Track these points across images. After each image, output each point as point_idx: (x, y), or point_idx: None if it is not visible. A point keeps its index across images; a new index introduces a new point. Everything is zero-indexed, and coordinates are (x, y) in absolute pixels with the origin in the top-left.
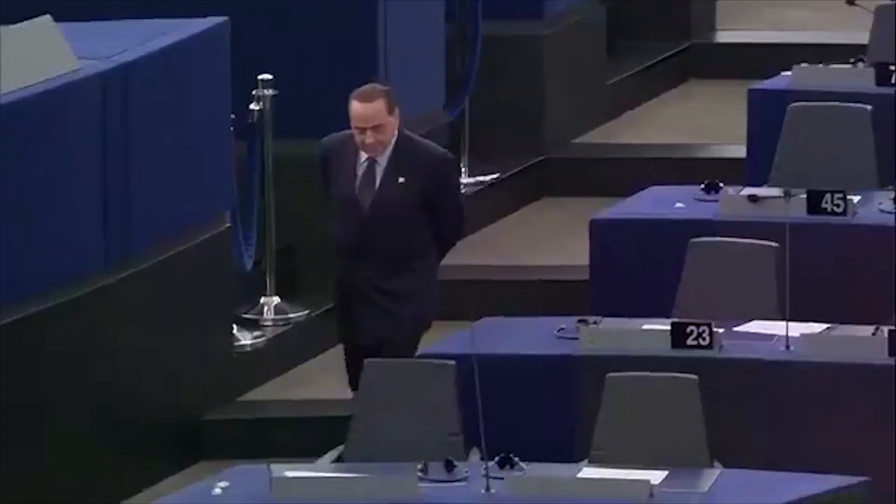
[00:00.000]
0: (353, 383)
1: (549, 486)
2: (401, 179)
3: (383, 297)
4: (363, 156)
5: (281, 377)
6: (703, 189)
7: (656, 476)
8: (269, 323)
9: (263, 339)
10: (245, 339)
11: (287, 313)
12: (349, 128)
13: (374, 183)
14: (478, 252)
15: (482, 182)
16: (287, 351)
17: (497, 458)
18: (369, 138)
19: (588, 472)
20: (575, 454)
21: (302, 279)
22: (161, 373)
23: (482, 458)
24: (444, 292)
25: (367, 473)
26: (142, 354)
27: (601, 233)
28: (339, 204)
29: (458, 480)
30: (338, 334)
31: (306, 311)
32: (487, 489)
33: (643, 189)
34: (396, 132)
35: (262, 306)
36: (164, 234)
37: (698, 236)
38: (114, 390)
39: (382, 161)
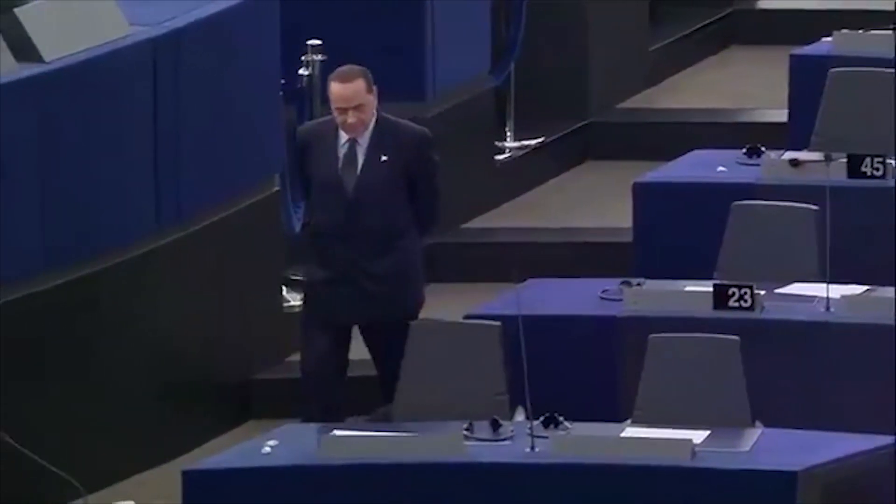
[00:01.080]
0: (311, 361)
1: (592, 445)
2: (383, 158)
3: (367, 279)
4: (343, 138)
5: None
6: (744, 153)
7: (698, 435)
8: None
9: None
10: (293, 299)
11: None
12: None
13: (357, 164)
14: (523, 214)
15: (527, 146)
16: None
17: (542, 418)
18: (351, 118)
19: (631, 431)
20: (618, 414)
21: None
22: (211, 333)
23: (527, 418)
24: (491, 254)
25: (414, 432)
26: (192, 315)
27: (644, 196)
28: (321, 187)
29: (504, 439)
30: (309, 312)
31: None
32: (532, 448)
33: (686, 153)
34: (375, 112)
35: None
36: (214, 196)
37: (740, 199)
38: (165, 350)
39: (363, 142)
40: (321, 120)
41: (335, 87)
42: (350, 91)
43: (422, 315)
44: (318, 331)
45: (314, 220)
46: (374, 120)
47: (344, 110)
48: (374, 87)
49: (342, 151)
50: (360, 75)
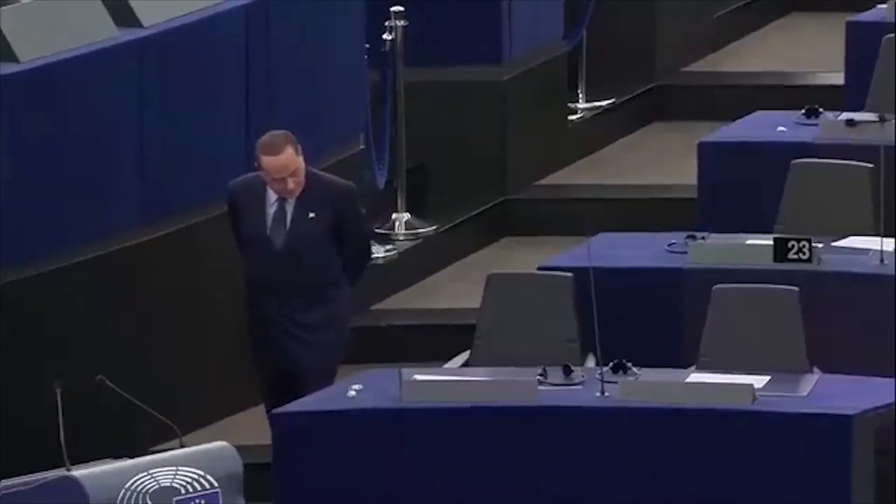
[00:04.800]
0: (269, 406)
1: (659, 389)
2: (311, 215)
3: (299, 329)
4: (272, 196)
5: (411, 288)
6: (803, 114)
7: (759, 381)
8: (400, 237)
9: (395, 252)
10: (378, 252)
11: (417, 228)
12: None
13: (286, 221)
14: (594, 172)
15: (598, 107)
16: (417, 263)
17: (611, 364)
18: (290, 185)
19: (696, 377)
20: (683, 360)
21: (431, 196)
22: None
23: (597, 364)
24: (563, 209)
25: (491, 377)
26: None
27: (708, 154)
28: (251, 243)
29: (575, 384)
30: (253, 361)
31: (435, 227)
32: (602, 392)
33: (748, 114)
34: None
35: (394, 222)
36: (303, 155)
37: (799, 158)
38: None
39: (291, 199)
40: (250, 176)
41: (268, 161)
42: (283, 161)
43: (499, 267)
44: (265, 378)
45: (246, 274)
46: None
47: (282, 179)
48: (299, 146)
49: (271, 210)
50: (286, 142)
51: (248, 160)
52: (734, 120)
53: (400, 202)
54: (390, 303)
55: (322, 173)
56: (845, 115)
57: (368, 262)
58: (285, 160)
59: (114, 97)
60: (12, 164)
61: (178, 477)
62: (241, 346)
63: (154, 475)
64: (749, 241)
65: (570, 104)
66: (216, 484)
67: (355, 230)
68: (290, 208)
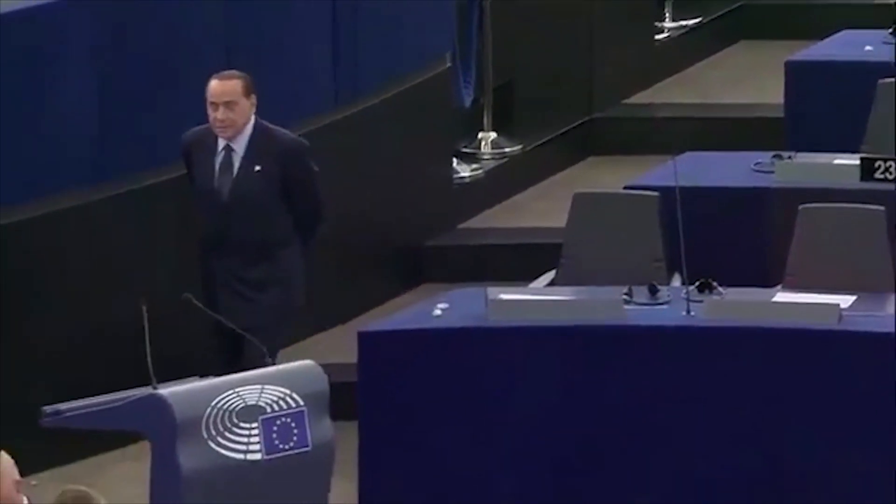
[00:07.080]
0: (221, 367)
1: (745, 309)
2: (257, 167)
3: (244, 285)
4: (221, 145)
5: (497, 207)
6: (891, 33)
7: (845, 300)
8: (486, 156)
9: (481, 171)
10: (464, 171)
11: (503, 147)
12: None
13: (232, 171)
14: (681, 91)
15: (685, 26)
16: (502, 182)
17: (697, 283)
18: (221, 114)
19: (781, 296)
20: (768, 280)
21: (517, 115)
22: (388, 202)
23: (683, 283)
24: (650, 128)
25: (576, 297)
26: (370, 184)
27: (796, 73)
28: (200, 194)
29: (661, 303)
30: (208, 315)
31: (521, 146)
32: (688, 312)
33: (835, 33)
34: (252, 120)
35: (480, 141)
36: (389, 74)
37: (885, 77)
38: (344, 217)
39: (239, 150)
40: (204, 127)
41: (212, 84)
42: (225, 87)
43: (585, 186)
44: (215, 335)
45: (200, 227)
46: (250, 128)
47: (216, 106)
48: (253, 96)
49: (219, 159)
50: (238, 78)
51: (335, 85)
52: (822, 39)
53: (486, 121)
54: (476, 222)
55: (275, 128)
56: None
57: (322, 223)
58: (228, 87)
59: (199, 23)
60: (99, 86)
61: (263, 395)
62: (330, 266)
63: (240, 393)
64: (836, 161)
65: (657, 23)
66: (302, 402)
67: (305, 189)
68: (236, 158)
